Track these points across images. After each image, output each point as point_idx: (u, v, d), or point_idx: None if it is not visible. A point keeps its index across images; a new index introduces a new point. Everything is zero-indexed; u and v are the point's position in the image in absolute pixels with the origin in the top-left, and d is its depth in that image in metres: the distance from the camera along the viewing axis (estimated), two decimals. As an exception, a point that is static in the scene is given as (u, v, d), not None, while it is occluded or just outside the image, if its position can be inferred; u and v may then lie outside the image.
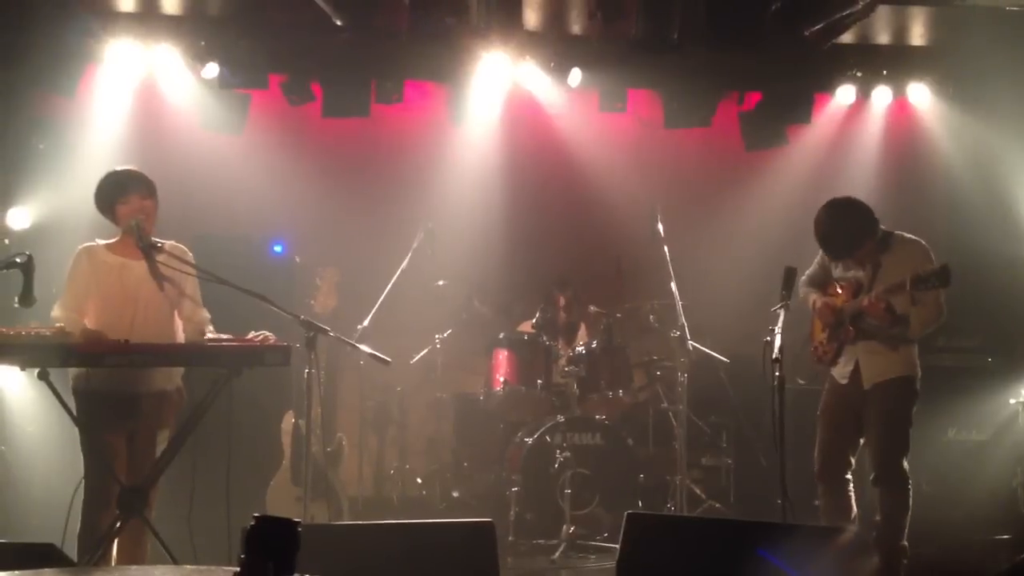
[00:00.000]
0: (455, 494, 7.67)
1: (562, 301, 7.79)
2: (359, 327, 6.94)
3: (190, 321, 5.14)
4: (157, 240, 5.04)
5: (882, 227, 5.63)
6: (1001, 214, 8.19)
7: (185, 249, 5.20)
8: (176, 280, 5.04)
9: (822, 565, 3.57)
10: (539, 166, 8.83)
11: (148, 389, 4.95)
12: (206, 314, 5.21)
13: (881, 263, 5.55)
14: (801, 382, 5.96)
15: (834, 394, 5.75)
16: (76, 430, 4.87)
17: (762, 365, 5.03)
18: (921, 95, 8.49)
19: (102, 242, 5.08)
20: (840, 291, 5.72)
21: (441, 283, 7.99)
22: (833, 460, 5.69)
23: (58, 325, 4.68)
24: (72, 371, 4.90)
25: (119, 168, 5.11)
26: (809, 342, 5.90)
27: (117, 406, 4.88)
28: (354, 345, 5.61)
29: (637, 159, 8.63)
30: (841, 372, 5.70)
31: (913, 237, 5.62)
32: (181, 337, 5.11)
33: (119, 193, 4.99)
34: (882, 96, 8.54)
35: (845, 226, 5.55)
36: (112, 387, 4.86)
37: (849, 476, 5.68)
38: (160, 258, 4.98)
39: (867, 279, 5.59)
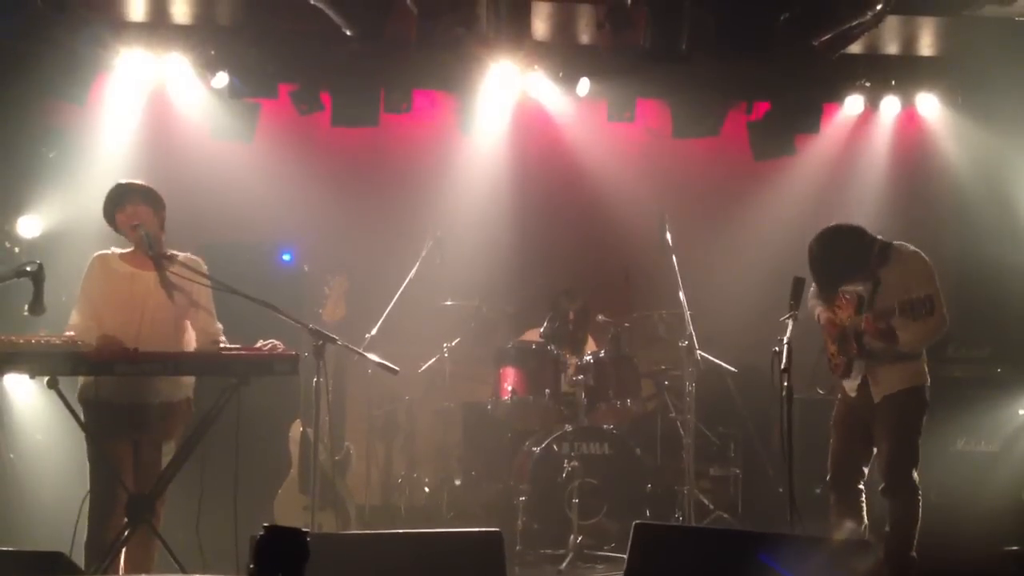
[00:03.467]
0: (462, 503, 7.66)
1: (571, 315, 7.78)
2: (367, 336, 6.95)
3: (203, 333, 5.15)
4: (172, 252, 5.07)
5: (880, 238, 5.62)
6: (1010, 224, 8.18)
7: (200, 261, 5.22)
8: (187, 291, 5.05)
9: (827, 574, 3.57)
10: (547, 175, 8.83)
11: (155, 399, 4.96)
12: (219, 326, 5.22)
13: (880, 278, 5.54)
14: (821, 392, 5.96)
15: (845, 405, 5.77)
16: (84, 439, 4.88)
17: (770, 375, 5.02)
18: (930, 105, 8.47)
19: (117, 251, 5.11)
20: (844, 304, 5.71)
21: (449, 303, 7.98)
22: (845, 470, 5.69)
23: (69, 334, 4.71)
24: (80, 380, 4.91)
25: (122, 181, 5.16)
26: (825, 352, 5.90)
27: (124, 415, 4.90)
28: (362, 354, 5.61)
29: (645, 168, 8.62)
30: (850, 385, 5.71)
31: (912, 249, 5.61)
32: (190, 348, 5.12)
33: (116, 203, 5.05)
34: (891, 106, 8.52)
35: (829, 263, 5.58)
36: (119, 396, 4.87)
37: (861, 487, 5.68)
38: (171, 269, 5.00)
39: (868, 294, 5.59)
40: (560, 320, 7.69)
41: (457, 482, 7.83)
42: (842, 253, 5.56)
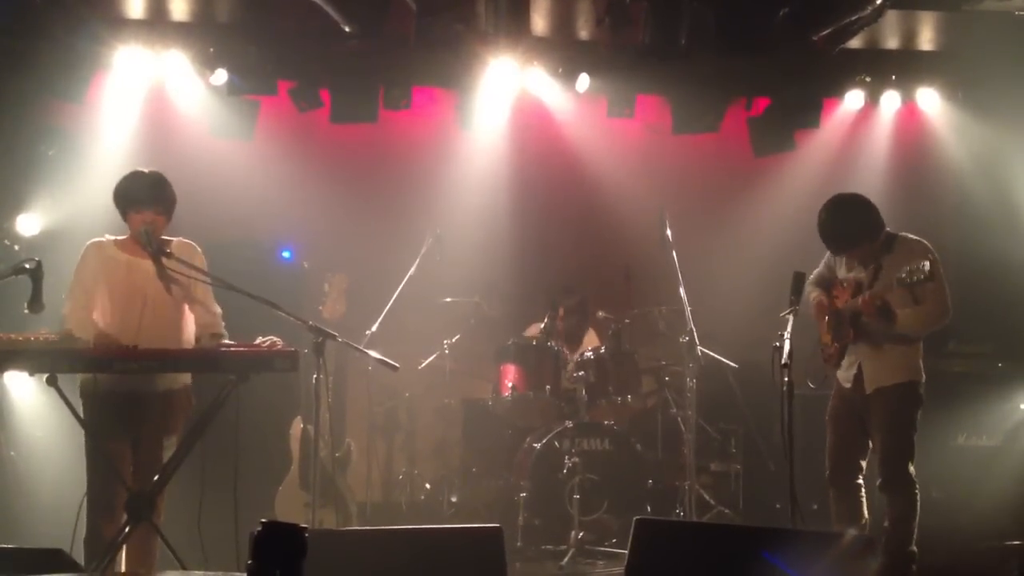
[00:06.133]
0: (463, 499, 7.66)
1: (562, 312, 7.78)
2: (367, 333, 6.95)
3: (199, 324, 5.15)
4: (167, 239, 5.06)
5: (888, 229, 5.63)
6: (1010, 219, 8.18)
7: (194, 245, 5.20)
8: (184, 281, 5.04)
9: (829, 570, 3.56)
10: (547, 172, 8.82)
11: (155, 388, 4.96)
12: (217, 310, 5.18)
13: (882, 264, 5.55)
14: (812, 386, 5.95)
15: (840, 398, 5.77)
16: (84, 436, 4.88)
17: (771, 370, 5.02)
18: (930, 100, 8.47)
19: (111, 238, 5.10)
20: (842, 291, 5.73)
21: (448, 300, 7.97)
22: (842, 464, 5.69)
23: (67, 327, 4.71)
24: (80, 375, 4.91)
25: (145, 171, 5.09)
26: (818, 343, 5.90)
27: (124, 408, 4.89)
28: (362, 351, 5.61)
29: (645, 165, 8.62)
30: (845, 376, 5.71)
31: (915, 238, 5.62)
32: (190, 337, 5.12)
33: (133, 204, 4.99)
34: (891, 101, 8.52)
35: (844, 221, 5.57)
36: (119, 387, 4.86)
37: (860, 481, 5.67)
38: (168, 262, 4.98)
39: (867, 279, 5.59)
40: (559, 316, 7.71)
41: (458, 479, 7.84)
42: (852, 216, 5.57)
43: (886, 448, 5.52)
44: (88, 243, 5.06)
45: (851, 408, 5.68)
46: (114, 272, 4.99)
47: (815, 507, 6.23)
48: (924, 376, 5.61)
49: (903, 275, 5.19)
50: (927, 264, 5.12)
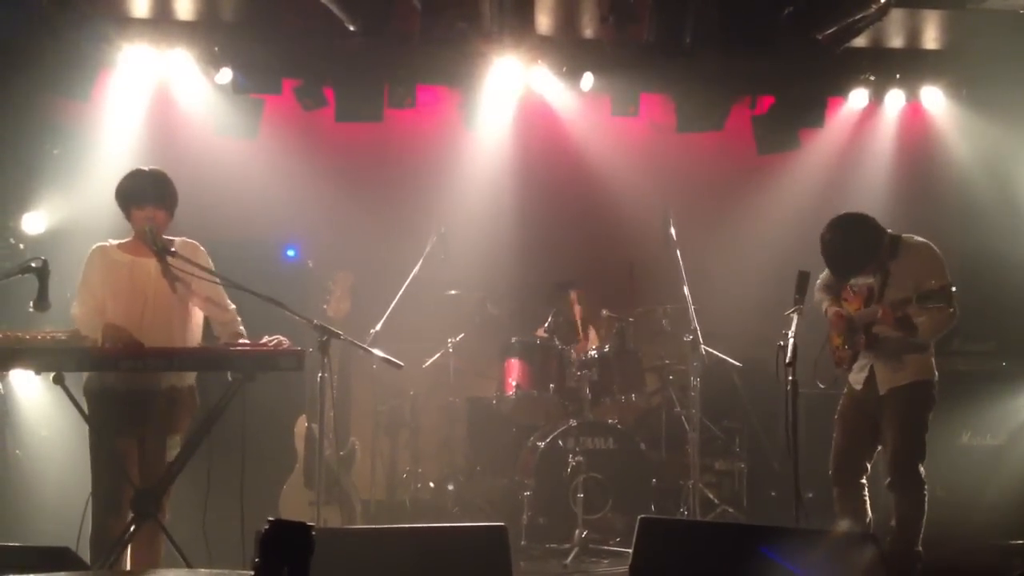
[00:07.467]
0: (467, 498, 7.67)
1: (574, 296, 7.80)
2: (372, 331, 6.95)
3: (216, 322, 5.17)
4: (168, 238, 5.06)
5: (889, 231, 5.62)
6: (1015, 218, 8.17)
7: (197, 244, 5.20)
8: (188, 280, 5.05)
9: (833, 568, 3.57)
10: (551, 170, 8.82)
11: (160, 386, 4.96)
12: (231, 306, 5.19)
13: (890, 270, 5.54)
14: (821, 386, 5.95)
15: (851, 399, 5.76)
16: (89, 434, 4.89)
17: (775, 369, 5.02)
18: (934, 98, 8.47)
19: (114, 242, 5.11)
20: (852, 296, 5.72)
21: (453, 292, 7.98)
22: (848, 464, 5.68)
23: (73, 328, 4.72)
24: (85, 373, 4.92)
25: (146, 169, 5.10)
26: (828, 345, 5.89)
27: (129, 405, 4.89)
28: (367, 349, 5.61)
29: (650, 163, 8.62)
30: (856, 378, 5.70)
31: (921, 240, 5.60)
32: (195, 336, 5.13)
33: (135, 200, 5.00)
34: (895, 100, 8.52)
35: (848, 251, 5.56)
36: (124, 384, 4.87)
37: (864, 480, 5.67)
38: (173, 261, 4.99)
39: (877, 286, 5.58)
40: (567, 311, 7.73)
41: (462, 477, 7.84)
42: (859, 241, 5.54)
43: (897, 448, 5.51)
44: (92, 247, 5.07)
45: (862, 409, 5.67)
46: (118, 275, 5.00)
47: (810, 495, 6.21)
48: (937, 375, 5.60)
49: (922, 295, 5.18)
50: (940, 284, 5.12)
